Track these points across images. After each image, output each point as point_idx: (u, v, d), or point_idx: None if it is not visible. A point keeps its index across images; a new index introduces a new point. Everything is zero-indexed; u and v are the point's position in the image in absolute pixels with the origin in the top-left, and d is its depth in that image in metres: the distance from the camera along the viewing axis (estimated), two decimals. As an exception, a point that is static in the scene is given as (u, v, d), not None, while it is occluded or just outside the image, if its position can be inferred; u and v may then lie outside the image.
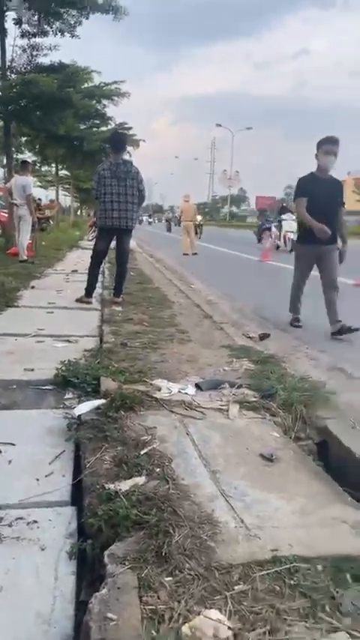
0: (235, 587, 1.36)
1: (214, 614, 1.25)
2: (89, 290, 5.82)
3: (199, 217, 20.26)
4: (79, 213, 43.29)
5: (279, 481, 1.98)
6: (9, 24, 10.95)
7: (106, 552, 1.46)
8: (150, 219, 57.22)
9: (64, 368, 3.13)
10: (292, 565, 1.45)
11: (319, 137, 5.08)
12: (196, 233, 18.52)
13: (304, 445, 2.46)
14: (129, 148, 18.89)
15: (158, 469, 1.95)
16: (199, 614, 1.25)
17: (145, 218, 60.60)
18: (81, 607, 1.39)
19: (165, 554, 1.44)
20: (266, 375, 3.22)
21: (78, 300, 5.72)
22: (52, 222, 22.03)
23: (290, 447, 2.31)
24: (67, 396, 2.89)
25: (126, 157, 5.88)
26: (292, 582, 1.40)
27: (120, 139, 5.99)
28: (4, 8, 10.75)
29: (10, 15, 10.97)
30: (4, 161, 15.00)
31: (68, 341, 4.02)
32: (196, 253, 15.08)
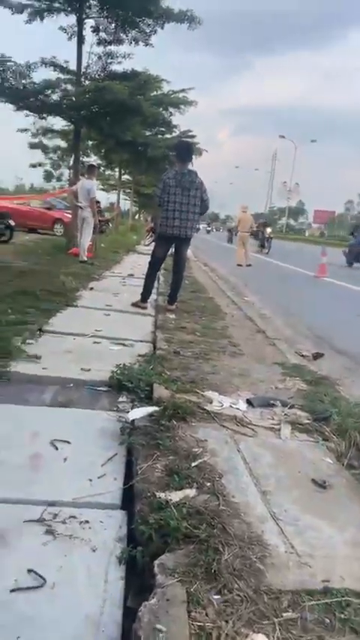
0: (284, 614, 1.34)
1: (261, 639, 1.24)
2: (145, 295, 5.91)
3: (268, 230, 19.98)
4: (137, 217, 44.10)
5: (331, 509, 1.93)
6: (87, 31, 11.37)
7: (156, 562, 1.48)
8: (208, 228, 57.24)
9: (119, 371, 3.20)
10: (343, 598, 1.42)
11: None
12: (264, 246, 18.30)
13: (358, 474, 2.40)
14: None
15: (209, 483, 1.96)
16: (247, 637, 1.24)
17: (202, 226, 60.86)
18: (127, 613, 1.41)
19: (214, 571, 1.44)
20: (319, 397, 3.16)
21: (134, 305, 5.82)
22: (111, 225, 22.55)
23: (343, 475, 2.25)
24: (120, 399, 2.95)
25: (190, 166, 5.93)
26: (342, 616, 1.36)
27: (187, 149, 6.04)
28: (84, 16, 11.16)
29: (89, 22, 11.39)
30: (71, 162, 15.55)
31: (123, 344, 4.10)
32: (250, 265, 15.00)
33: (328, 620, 1.35)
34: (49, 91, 10.89)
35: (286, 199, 58.73)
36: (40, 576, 1.46)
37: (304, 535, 1.72)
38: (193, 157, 6.09)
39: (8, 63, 10.32)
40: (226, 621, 1.29)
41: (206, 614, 1.31)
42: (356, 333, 6.11)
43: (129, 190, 31.43)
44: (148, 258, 6.17)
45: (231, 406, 2.88)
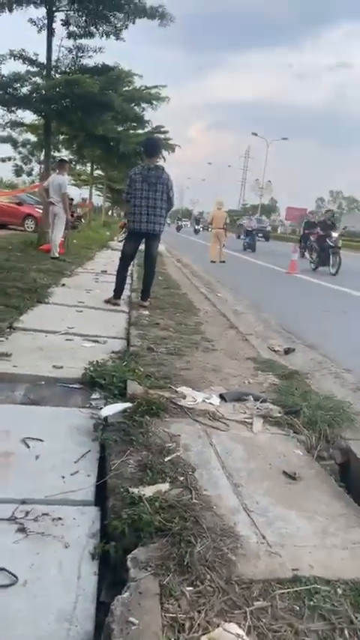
0: (255, 603, 1.37)
1: (233, 628, 1.26)
2: (117, 292, 5.88)
3: (334, 234, 19.55)
4: (110, 213, 43.76)
5: (301, 500, 1.98)
6: (57, 24, 11.18)
7: (129, 556, 1.49)
8: (181, 223, 56.81)
9: (92, 368, 3.19)
10: (312, 586, 1.46)
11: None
12: (327, 263, 18.26)
13: (327, 465, 2.46)
14: (164, 153, 19.11)
15: (182, 477, 1.97)
16: (218, 627, 1.26)
17: (183, 223, 60.67)
18: (101, 608, 1.42)
19: (187, 563, 1.46)
20: (291, 390, 3.22)
21: (107, 302, 5.79)
22: (83, 220, 22.33)
23: (313, 466, 2.30)
24: (93, 396, 2.94)
25: (160, 161, 5.92)
26: (311, 603, 1.40)
27: (154, 144, 6.07)
28: (54, 9, 10.98)
29: (59, 15, 11.21)
30: (42, 157, 15.31)
31: (96, 341, 4.08)
32: (224, 261, 15.09)
33: (297, 608, 1.39)
34: (18, 84, 10.69)
35: (259, 196, 59.10)
36: (12, 574, 1.45)
37: (274, 525, 1.76)
38: (165, 152, 6.12)
39: (-25, 55, 10.09)
40: (199, 612, 1.31)
41: (179, 606, 1.33)
42: (325, 327, 6.24)
43: (101, 186, 31.16)
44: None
45: (204, 401, 2.90)
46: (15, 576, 1.44)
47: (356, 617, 1.38)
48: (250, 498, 1.92)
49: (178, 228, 52.04)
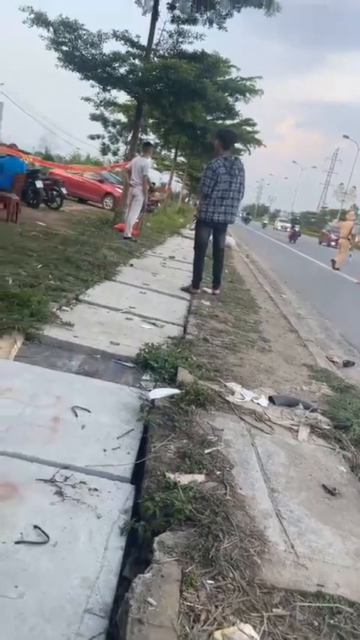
0: (274, 610, 1.36)
1: (248, 629, 1.26)
2: (196, 280, 5.94)
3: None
4: (187, 200, 43.92)
5: (337, 517, 1.92)
6: (162, 6, 11.26)
7: (156, 538, 1.51)
8: (249, 216, 56.27)
9: (146, 350, 3.24)
10: (335, 605, 1.42)
11: None
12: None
13: (370, 487, 2.37)
14: (248, 146, 18.87)
15: (219, 472, 1.97)
16: (233, 625, 1.26)
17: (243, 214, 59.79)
18: (122, 582, 1.45)
19: (212, 557, 1.47)
20: (343, 405, 3.12)
21: (184, 289, 5.84)
22: (160, 205, 22.56)
23: (355, 486, 2.23)
24: (144, 377, 2.99)
25: (244, 154, 5.88)
26: (332, 622, 1.37)
27: (233, 137, 6.11)
28: (161, -8, 11.06)
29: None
30: (129, 138, 15.56)
31: (154, 324, 4.13)
32: (338, 269, 15.53)
33: (317, 623, 1.36)
34: (117, 64, 10.90)
35: (340, 201, 57.13)
36: (45, 533, 1.51)
37: (305, 537, 1.72)
38: (250, 146, 6.11)
39: (81, 31, 10.38)
40: (216, 606, 1.32)
41: (197, 597, 1.33)
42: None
43: (182, 173, 31.30)
44: (191, 243, 6.19)
45: (252, 400, 2.87)
46: (47, 536, 1.50)
47: (377, 647, 1.33)
48: (285, 506, 1.89)
49: (246, 221, 52.05)
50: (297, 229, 30.50)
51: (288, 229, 35.29)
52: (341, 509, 2.00)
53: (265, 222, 56.66)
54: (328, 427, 2.72)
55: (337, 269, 15.61)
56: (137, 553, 1.59)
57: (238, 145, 18.06)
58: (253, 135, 19.47)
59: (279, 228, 53.93)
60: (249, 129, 19.68)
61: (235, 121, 17.42)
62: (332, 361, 4.42)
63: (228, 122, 17.02)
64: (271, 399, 2.98)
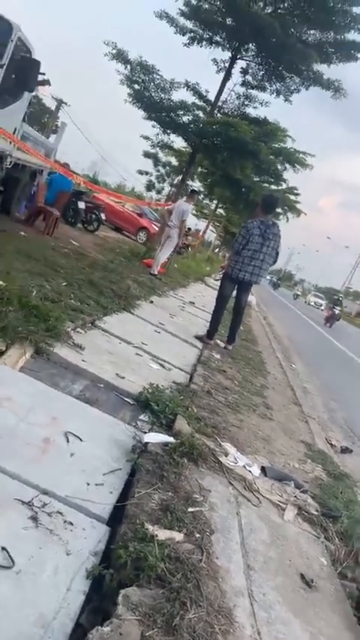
0: None
1: None
2: (212, 330, 5.94)
3: None
4: (217, 251, 44.66)
5: (310, 611, 1.83)
6: (235, 70, 11.85)
7: (122, 591, 1.44)
8: (278, 281, 55.08)
9: (150, 390, 3.20)
10: None
11: None
12: None
13: (348, 586, 2.26)
14: (288, 214, 19.29)
15: (198, 534, 1.90)
16: None
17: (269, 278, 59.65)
18: (77, 629, 1.38)
19: (175, 625, 1.39)
20: (335, 492, 3.02)
21: (198, 338, 5.83)
22: (190, 250, 22.95)
23: (333, 582, 2.13)
24: (142, 417, 2.94)
25: (282, 220, 5.99)
26: None
27: (274, 202, 6.20)
28: (238, 56, 11.67)
29: (240, 63, 11.89)
30: (175, 181, 16.03)
31: (162, 366, 4.11)
32: None
33: None
34: (182, 112, 11.38)
35: (365, 285, 57.68)
36: (11, 558, 1.46)
37: (274, 626, 1.63)
38: (290, 214, 6.21)
39: (156, 75, 10.91)
40: None
41: (152, 666, 1.26)
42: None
43: (218, 224, 31.99)
44: (213, 293, 6.23)
45: (245, 467, 2.80)
46: (13, 561, 1.45)
47: None
48: (259, 587, 1.80)
49: (275, 286, 51.10)
50: (337, 311, 24.47)
51: (322, 308, 30.68)
52: (315, 603, 1.90)
53: (299, 293, 52.98)
54: (316, 513, 2.63)
55: None
56: (99, 602, 1.52)
57: (278, 210, 18.49)
58: (295, 203, 19.96)
59: (312, 303, 50.06)
60: (292, 197, 20.20)
61: (281, 187, 17.89)
62: (331, 444, 4.33)
63: (274, 187, 17.49)
64: (263, 469, 2.90)
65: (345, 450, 4.33)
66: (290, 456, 3.41)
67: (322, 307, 30.44)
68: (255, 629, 1.57)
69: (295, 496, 2.71)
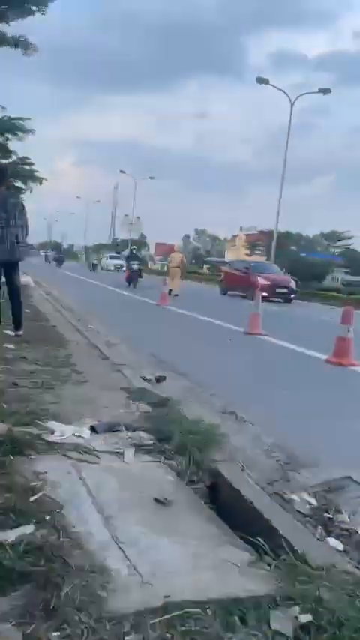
0: (126, 638, 1.32)
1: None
2: None
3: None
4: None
5: (172, 525, 1.98)
6: None
7: (-13, 610, 1.35)
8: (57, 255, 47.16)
9: None
10: (183, 611, 1.45)
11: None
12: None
13: (198, 489, 2.51)
14: (31, 184, 18.69)
15: (48, 516, 1.86)
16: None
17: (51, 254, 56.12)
18: None
19: (54, 607, 1.37)
20: (162, 417, 3.26)
21: None
22: None
23: (184, 491, 2.33)
24: None
25: (26, 192, 5.81)
26: (183, 628, 1.39)
27: (4, 171, 5.99)
28: None
29: None
30: None
31: None
32: (177, 295, 16.67)
33: (169, 635, 1.37)
34: None
35: (129, 232, 60.34)
36: None
37: (146, 555, 1.73)
38: (32, 184, 6.05)
39: None
40: (67, 658, 1.23)
41: (44, 655, 1.23)
42: (194, 356, 6.48)
43: None
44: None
45: (74, 435, 2.80)
46: None
47: (227, 636, 1.39)
48: (122, 530, 1.87)
49: (59, 262, 43.29)
50: (135, 267, 21.69)
51: (124, 269, 25.93)
52: (175, 516, 2.07)
53: (95, 262, 44.81)
54: (151, 442, 2.80)
55: (177, 295, 16.73)
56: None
57: (19, 185, 17.74)
58: (33, 172, 19.35)
59: (111, 268, 42.43)
60: (27, 167, 19.50)
61: (11, 160, 17.09)
62: (146, 379, 4.59)
63: (4, 161, 16.60)
64: (92, 428, 2.95)
65: (159, 379, 4.64)
66: (114, 406, 3.52)
67: (124, 268, 26.51)
68: (130, 566, 1.65)
69: (129, 437, 2.84)
